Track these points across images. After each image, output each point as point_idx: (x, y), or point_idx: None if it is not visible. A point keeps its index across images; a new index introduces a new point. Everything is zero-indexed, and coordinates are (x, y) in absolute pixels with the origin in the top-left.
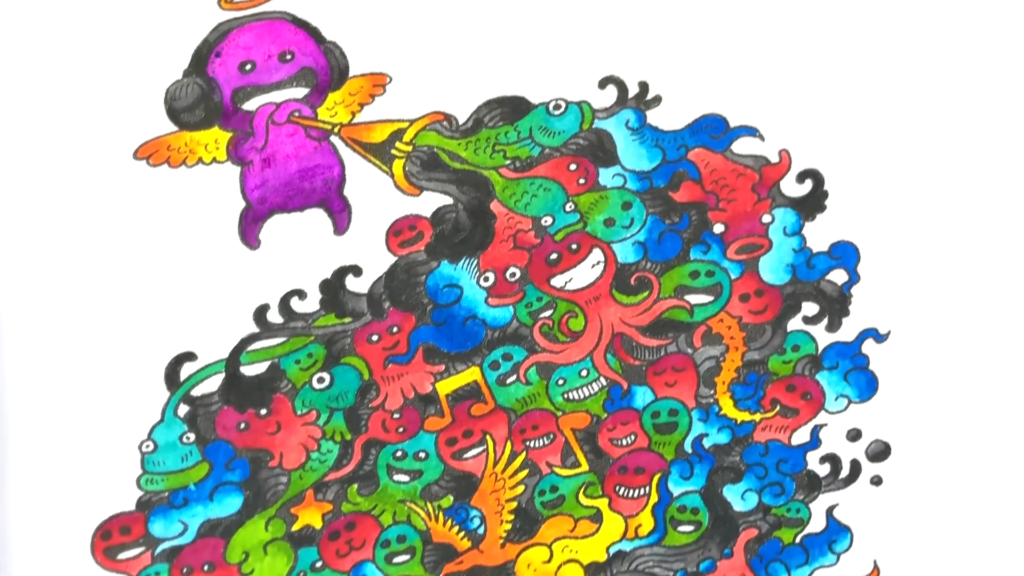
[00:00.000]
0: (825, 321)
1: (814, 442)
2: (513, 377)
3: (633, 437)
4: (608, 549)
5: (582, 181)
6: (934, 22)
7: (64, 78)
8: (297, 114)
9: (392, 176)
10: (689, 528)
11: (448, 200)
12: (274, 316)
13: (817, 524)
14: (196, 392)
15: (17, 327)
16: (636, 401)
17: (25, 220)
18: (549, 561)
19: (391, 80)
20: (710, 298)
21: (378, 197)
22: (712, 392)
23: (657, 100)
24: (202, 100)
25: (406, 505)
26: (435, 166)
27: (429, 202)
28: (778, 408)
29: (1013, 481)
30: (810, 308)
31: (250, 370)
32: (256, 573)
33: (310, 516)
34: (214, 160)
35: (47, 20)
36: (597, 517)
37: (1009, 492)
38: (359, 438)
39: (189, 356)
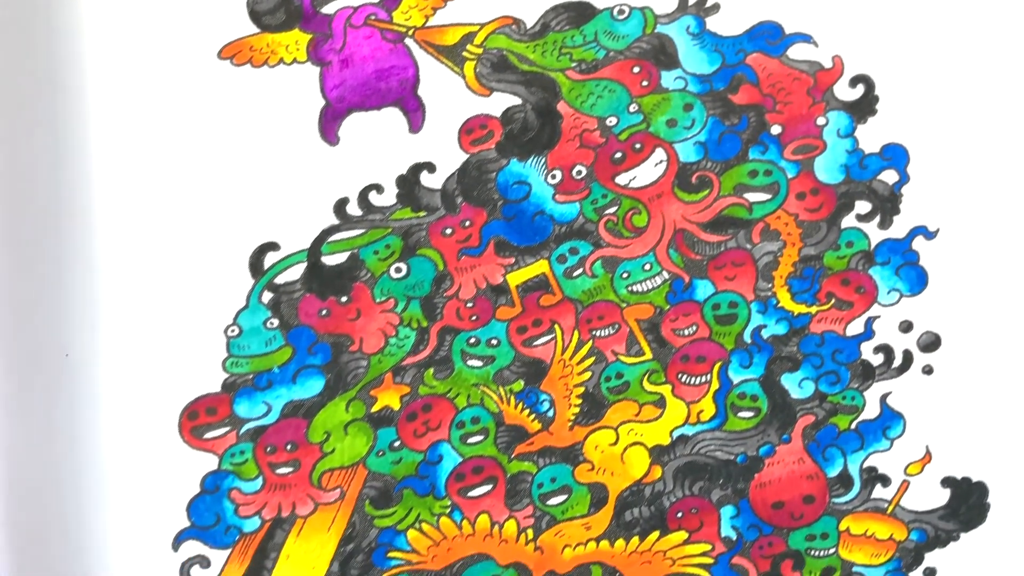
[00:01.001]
0: (877, 219)
1: (868, 333)
2: (579, 270)
3: (695, 327)
4: (671, 433)
5: (645, 83)
6: None
7: None
8: (373, 17)
9: (463, 77)
10: (749, 414)
11: (517, 100)
12: (353, 209)
13: (871, 411)
14: (279, 280)
15: (111, 218)
16: (697, 294)
17: (117, 118)
18: (615, 443)
19: None
20: (768, 196)
21: (450, 97)
22: (770, 285)
23: (716, 7)
24: (283, 3)
25: (479, 389)
26: (504, 68)
27: (499, 102)
28: (833, 301)
29: None
30: (863, 206)
31: (331, 260)
32: (337, 452)
33: (388, 398)
34: (294, 60)
35: None
36: (661, 403)
37: None
38: (435, 325)
39: (272, 246)
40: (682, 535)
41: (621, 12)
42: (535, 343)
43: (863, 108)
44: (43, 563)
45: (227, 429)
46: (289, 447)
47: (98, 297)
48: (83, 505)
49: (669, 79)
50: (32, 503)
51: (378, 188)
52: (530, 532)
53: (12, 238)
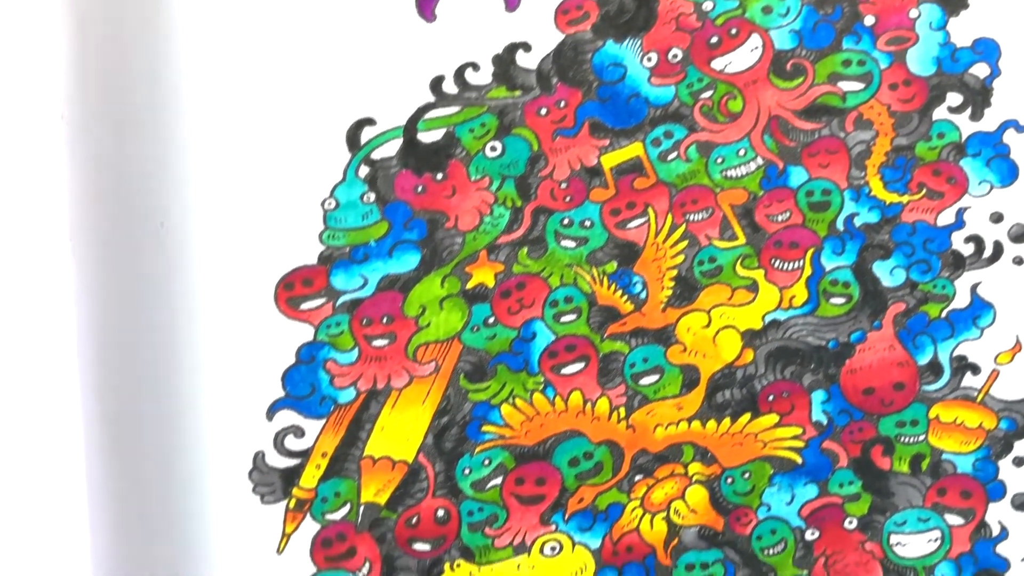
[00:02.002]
0: (968, 111)
1: (959, 223)
2: (674, 154)
3: (788, 214)
4: (764, 317)
5: None
6: None
7: None
8: None
9: None
10: (840, 300)
11: None
12: (449, 87)
13: (962, 300)
14: (376, 155)
15: (209, 90)
16: (791, 180)
17: None
18: (707, 326)
19: None
20: (861, 86)
21: None
22: (863, 174)
23: None
24: None
25: (572, 269)
26: None
27: None
28: (924, 191)
29: None
30: (954, 99)
31: (427, 136)
32: (432, 326)
33: (483, 275)
34: None
35: None
36: (753, 287)
37: None
38: (529, 205)
39: (369, 121)
40: (773, 418)
41: None
42: (628, 225)
43: (955, 1)
44: (136, 428)
45: (323, 300)
46: (385, 320)
47: (194, 168)
48: (177, 373)
49: None
50: (126, 370)
51: (474, 66)
52: (622, 411)
53: (111, 108)
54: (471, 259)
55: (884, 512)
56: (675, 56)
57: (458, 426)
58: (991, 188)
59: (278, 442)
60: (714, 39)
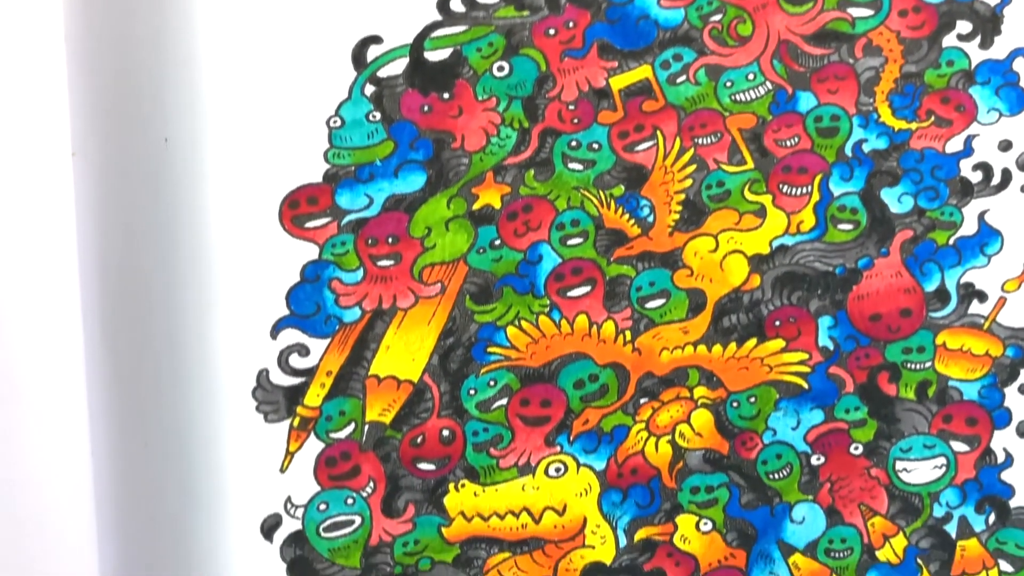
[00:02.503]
0: (978, 39)
1: (967, 151)
2: (683, 77)
3: (797, 139)
4: (771, 243)
5: None
6: None
7: None
8: None
9: None
10: (848, 227)
11: None
12: (456, 5)
13: (969, 228)
14: (382, 73)
15: (219, 3)
16: (800, 105)
17: None
18: (715, 251)
19: None
20: (870, 12)
21: None
22: (872, 100)
23: None
24: None
25: (580, 192)
26: None
27: None
28: (933, 118)
29: None
30: (964, 26)
31: (433, 56)
32: (438, 247)
33: (490, 196)
34: None
35: None
36: (761, 212)
37: None
38: (536, 126)
39: (376, 39)
40: (779, 343)
41: None
42: (636, 148)
43: None
44: (140, 347)
45: (328, 219)
46: (390, 240)
47: (200, 84)
48: (181, 290)
49: None
50: (130, 289)
51: None
52: (628, 334)
53: (115, 25)
54: (477, 180)
55: (890, 438)
56: None
57: (463, 347)
58: (1000, 116)
59: (282, 360)
60: None
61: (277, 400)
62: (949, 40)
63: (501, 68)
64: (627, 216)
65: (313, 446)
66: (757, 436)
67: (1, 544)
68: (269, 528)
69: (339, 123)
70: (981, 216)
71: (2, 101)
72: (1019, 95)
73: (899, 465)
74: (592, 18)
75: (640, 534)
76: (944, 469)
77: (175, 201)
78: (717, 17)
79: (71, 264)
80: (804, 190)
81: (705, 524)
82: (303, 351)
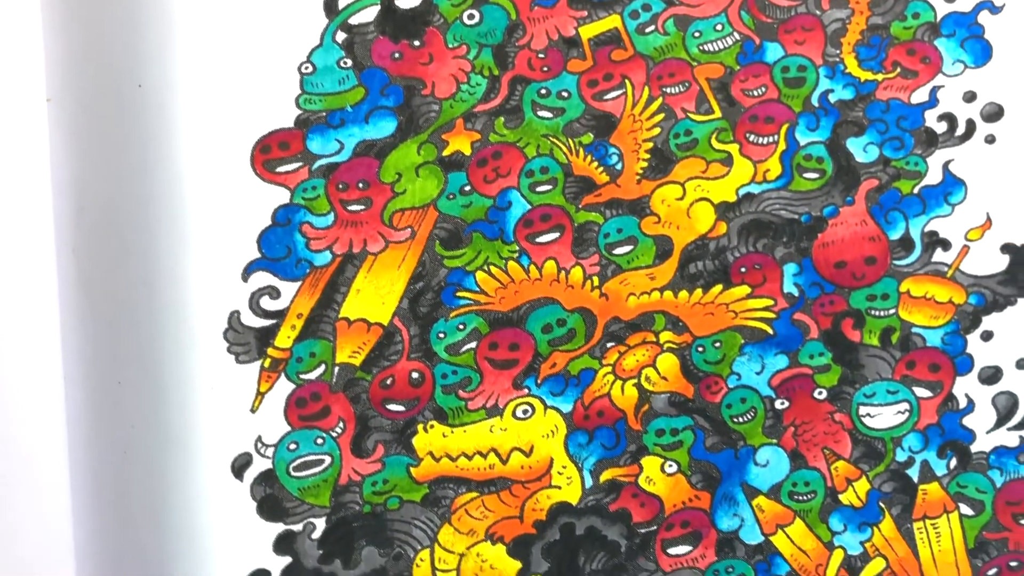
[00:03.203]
0: None
1: (932, 101)
2: (652, 27)
3: (764, 89)
4: (737, 191)
5: None
6: None
7: None
8: None
9: None
10: (814, 175)
11: None
12: None
13: (934, 177)
14: (354, 20)
15: None
16: (767, 56)
17: None
18: (682, 198)
19: None
20: None
21: None
22: (838, 52)
23: None
24: None
25: (549, 139)
26: None
27: None
28: (899, 70)
29: None
30: None
31: (404, 3)
32: (408, 193)
33: (460, 143)
34: None
35: None
36: (728, 161)
37: None
38: (506, 74)
39: None
40: (745, 289)
41: None
42: (605, 97)
43: None
44: (112, 289)
45: (299, 164)
46: (361, 185)
47: (173, 29)
48: (154, 234)
49: None
50: (103, 230)
51: None
52: (595, 279)
53: None
54: (447, 127)
55: (853, 384)
56: None
57: (433, 291)
58: (965, 68)
59: (253, 302)
60: None
61: (248, 341)
62: None
63: (471, 16)
64: (596, 164)
65: (284, 387)
66: (722, 380)
67: None
68: (240, 467)
69: (311, 69)
70: (945, 166)
71: None
72: (984, 47)
73: (863, 410)
74: None
75: (606, 475)
76: (907, 414)
77: (148, 146)
78: None
79: (45, 208)
80: (771, 139)
81: (670, 466)
82: (274, 293)
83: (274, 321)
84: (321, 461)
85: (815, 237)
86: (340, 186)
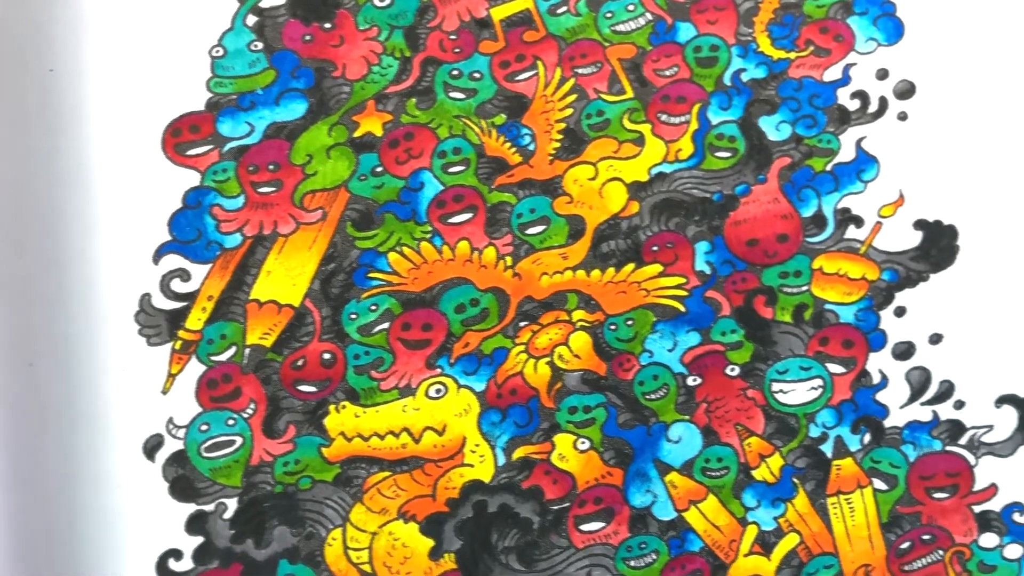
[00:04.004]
0: None
1: (845, 79)
2: (564, 8)
3: (676, 69)
4: (650, 170)
5: None
6: None
7: None
8: None
9: None
10: (726, 154)
11: None
12: None
13: (847, 154)
14: (264, 4)
15: None
16: (680, 36)
17: None
18: (594, 178)
19: None
20: None
21: None
22: (751, 31)
23: None
24: None
25: (461, 121)
26: None
27: None
28: (812, 48)
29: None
30: None
31: None
32: (319, 175)
33: (371, 124)
34: None
35: None
36: (640, 140)
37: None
38: (418, 55)
39: None
40: (657, 268)
41: None
42: (517, 78)
43: None
44: (23, 269)
45: (210, 147)
46: (271, 167)
47: (84, 14)
48: (65, 216)
49: None
50: (13, 212)
51: None
52: (508, 259)
53: None
54: (359, 108)
55: (766, 360)
56: None
57: (345, 272)
58: (877, 46)
59: (164, 285)
60: None
61: (159, 324)
62: None
63: None
64: (508, 144)
65: (195, 368)
66: (634, 358)
67: None
68: (151, 448)
69: (221, 52)
70: (858, 143)
71: None
72: (896, 25)
73: (775, 387)
74: None
75: (518, 453)
76: (820, 390)
77: (60, 129)
78: None
79: None
80: (683, 119)
81: (582, 443)
82: (184, 276)
83: (185, 303)
84: (232, 442)
85: (727, 215)
86: (251, 168)
